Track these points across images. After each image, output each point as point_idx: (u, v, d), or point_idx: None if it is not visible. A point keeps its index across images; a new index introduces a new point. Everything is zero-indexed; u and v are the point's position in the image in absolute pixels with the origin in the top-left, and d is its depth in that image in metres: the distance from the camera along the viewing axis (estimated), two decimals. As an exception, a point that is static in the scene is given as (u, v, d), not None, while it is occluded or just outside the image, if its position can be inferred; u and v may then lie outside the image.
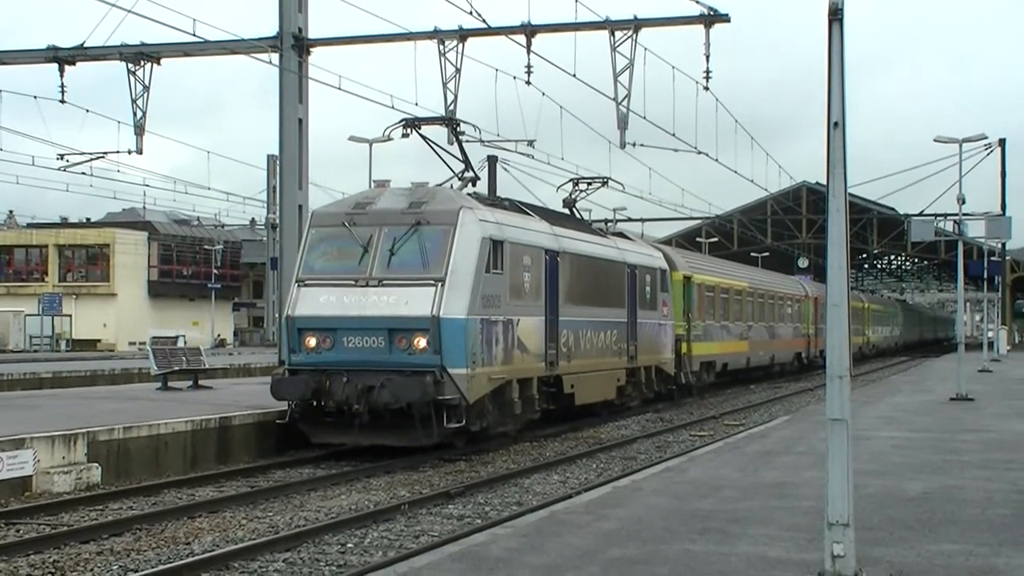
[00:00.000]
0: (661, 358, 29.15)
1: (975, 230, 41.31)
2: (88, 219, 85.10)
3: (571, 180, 28.13)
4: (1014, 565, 8.92)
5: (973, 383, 31.00)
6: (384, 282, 18.63)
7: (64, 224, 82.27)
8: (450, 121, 22.60)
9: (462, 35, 25.46)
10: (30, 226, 79.05)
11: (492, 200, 22.01)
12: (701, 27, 24.32)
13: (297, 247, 21.54)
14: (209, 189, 56.20)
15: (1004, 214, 50.12)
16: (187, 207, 64.78)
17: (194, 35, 23.76)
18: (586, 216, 29.43)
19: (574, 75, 24.67)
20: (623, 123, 25.30)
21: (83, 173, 31.14)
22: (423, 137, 21.37)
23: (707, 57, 24.40)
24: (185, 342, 48.33)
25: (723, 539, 9.96)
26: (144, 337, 63.51)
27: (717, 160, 32.13)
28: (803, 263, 77.92)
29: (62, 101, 27.38)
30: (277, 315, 26.89)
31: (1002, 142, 61.82)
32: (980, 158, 48.97)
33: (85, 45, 27.05)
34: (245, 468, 17.55)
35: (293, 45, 26.44)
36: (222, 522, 13.26)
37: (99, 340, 70.96)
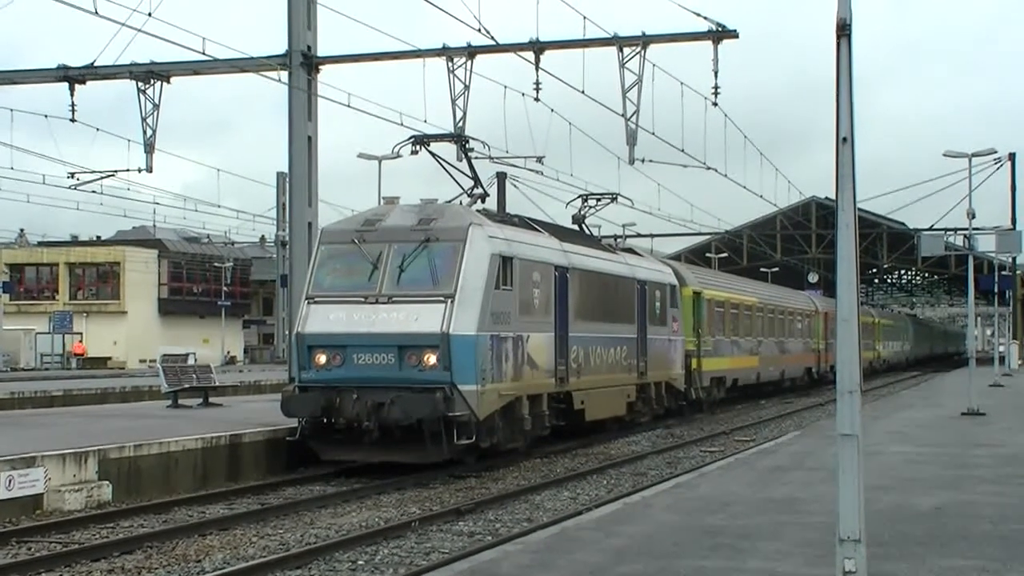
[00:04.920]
0: (671, 374, 29.11)
1: (985, 244, 41.24)
2: (98, 237, 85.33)
3: (580, 196, 28.14)
4: (1027, 580, 8.89)
5: (984, 398, 30.88)
6: (394, 299, 18.63)
7: (75, 242, 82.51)
8: (459, 138, 22.63)
9: (471, 52, 25.51)
10: (41, 244, 79.30)
11: (501, 216, 22.03)
12: (709, 43, 24.36)
13: (307, 264, 21.59)
14: (219, 207, 56.66)
15: (1015, 228, 50.00)
16: (197, 225, 65.14)
17: (204, 54, 23.87)
18: (595, 232, 29.46)
19: (583, 91, 24.73)
20: (632, 139, 25.32)
21: (93, 191, 31.33)
22: (432, 154, 21.42)
23: (715, 73, 24.41)
24: (195, 360, 48.33)
25: (734, 555, 9.94)
26: (154, 355, 63.49)
27: (726, 175, 32.16)
28: (813, 278, 77.86)
29: (72, 120, 27.47)
30: (287, 332, 26.92)
31: (1012, 156, 61.68)
32: (990, 172, 48.84)
33: (95, 64, 27.13)
34: (255, 485, 17.56)
35: (302, 63, 26.52)
36: (233, 539, 13.26)
37: (110, 358, 71.07)
